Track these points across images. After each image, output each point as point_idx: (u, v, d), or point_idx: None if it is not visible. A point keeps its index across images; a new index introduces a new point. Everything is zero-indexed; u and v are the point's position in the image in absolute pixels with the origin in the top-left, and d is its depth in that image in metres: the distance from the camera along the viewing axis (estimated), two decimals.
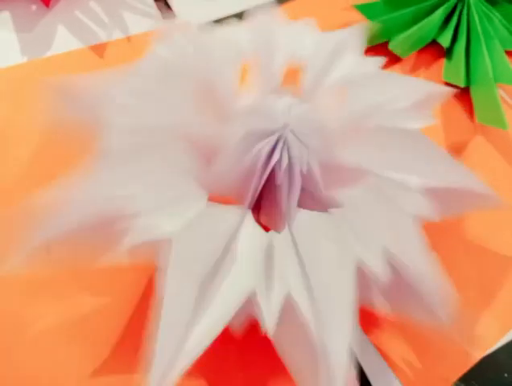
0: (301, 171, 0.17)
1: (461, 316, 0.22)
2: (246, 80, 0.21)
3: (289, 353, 0.16)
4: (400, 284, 0.17)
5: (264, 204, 0.19)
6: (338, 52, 0.21)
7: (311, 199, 0.18)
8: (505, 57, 0.29)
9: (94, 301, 0.20)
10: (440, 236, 0.25)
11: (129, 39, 0.31)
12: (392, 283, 0.16)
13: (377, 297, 0.18)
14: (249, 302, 0.15)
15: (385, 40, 0.30)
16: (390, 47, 0.29)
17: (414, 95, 0.22)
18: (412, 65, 0.31)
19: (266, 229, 0.17)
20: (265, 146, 0.17)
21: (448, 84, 0.30)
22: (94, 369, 0.19)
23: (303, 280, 0.15)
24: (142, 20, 0.32)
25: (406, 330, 0.22)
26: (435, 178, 0.19)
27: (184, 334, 0.13)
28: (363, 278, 0.16)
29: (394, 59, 0.30)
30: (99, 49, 0.31)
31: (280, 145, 0.17)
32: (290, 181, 0.18)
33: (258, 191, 0.18)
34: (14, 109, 0.27)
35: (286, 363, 0.16)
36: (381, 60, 0.22)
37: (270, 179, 0.18)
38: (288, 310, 0.15)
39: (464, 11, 0.31)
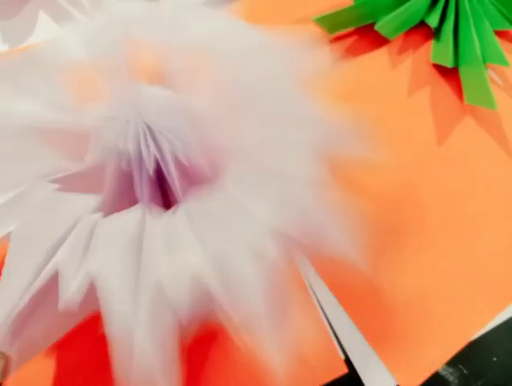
0: (178, 160, 0.18)
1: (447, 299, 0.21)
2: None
3: None
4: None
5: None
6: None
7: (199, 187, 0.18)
8: (495, 37, 0.28)
9: None
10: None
11: None
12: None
13: None
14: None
15: (371, 22, 0.30)
16: (377, 27, 0.29)
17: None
18: (400, 47, 0.30)
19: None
20: (118, 143, 0.17)
21: (436, 65, 0.29)
22: None
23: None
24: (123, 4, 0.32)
25: (393, 313, 0.21)
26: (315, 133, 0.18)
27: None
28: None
29: (380, 41, 0.30)
30: None
31: (140, 138, 0.17)
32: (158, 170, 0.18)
33: (144, 184, 0.18)
34: None
35: None
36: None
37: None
38: None
39: None
